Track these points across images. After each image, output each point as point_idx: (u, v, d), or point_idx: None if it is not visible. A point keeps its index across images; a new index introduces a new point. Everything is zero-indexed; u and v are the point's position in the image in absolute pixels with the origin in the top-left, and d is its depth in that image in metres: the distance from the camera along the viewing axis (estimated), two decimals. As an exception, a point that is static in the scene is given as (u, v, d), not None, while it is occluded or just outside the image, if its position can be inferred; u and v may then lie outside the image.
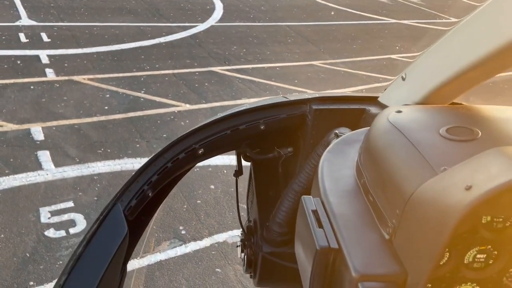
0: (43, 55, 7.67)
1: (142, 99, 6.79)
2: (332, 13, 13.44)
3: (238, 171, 1.57)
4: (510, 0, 0.81)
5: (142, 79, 7.43)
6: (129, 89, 7.01)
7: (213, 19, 11.08)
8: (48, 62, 7.47)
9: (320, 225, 0.81)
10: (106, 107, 6.42)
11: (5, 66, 7.09)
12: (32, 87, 6.61)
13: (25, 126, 5.65)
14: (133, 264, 3.94)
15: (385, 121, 0.89)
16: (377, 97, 1.35)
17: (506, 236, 0.65)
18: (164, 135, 5.86)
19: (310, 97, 1.39)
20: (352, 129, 1.23)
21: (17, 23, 8.80)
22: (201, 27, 10.39)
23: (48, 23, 9.06)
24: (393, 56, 10.37)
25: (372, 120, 0.97)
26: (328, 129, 1.30)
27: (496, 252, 0.67)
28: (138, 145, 5.59)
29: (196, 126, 1.30)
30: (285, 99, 1.40)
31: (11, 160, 5.00)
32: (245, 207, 1.80)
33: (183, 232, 4.34)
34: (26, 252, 3.89)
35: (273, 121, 1.35)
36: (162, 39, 9.26)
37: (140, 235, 1.24)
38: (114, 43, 8.68)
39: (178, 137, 1.28)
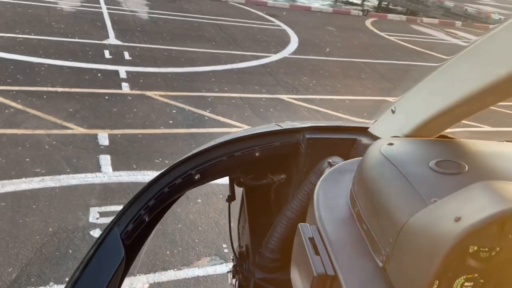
0: (122, 70, 8.11)
1: (206, 118, 6.84)
2: (412, 54, 13.00)
3: (231, 197, 1.59)
4: (494, 43, 0.84)
5: (209, 99, 7.53)
6: (196, 107, 7.11)
7: (287, 51, 11.16)
8: (125, 77, 7.87)
9: (317, 252, 0.83)
10: (171, 121, 6.53)
11: (86, 77, 7.57)
12: (106, 97, 6.95)
13: (93, 131, 5.87)
14: (169, 275, 3.77)
15: (377, 152, 0.92)
16: (368, 128, 1.37)
17: (492, 265, 0.67)
18: (222, 153, 5.77)
19: (303, 126, 1.41)
20: (344, 158, 1.26)
21: (104, 42, 9.49)
22: (274, 57, 10.48)
23: (131, 44, 9.66)
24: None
25: (363, 150, 1.01)
26: (320, 157, 1.32)
27: (482, 281, 0.69)
28: (194, 160, 5.55)
29: (193, 152, 1.32)
30: (279, 127, 1.42)
31: (74, 160, 5.17)
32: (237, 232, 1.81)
33: (225, 250, 4.10)
34: (69, 249, 3.88)
35: (268, 148, 1.37)
36: (234, 66, 9.44)
37: (134, 259, 1.25)
38: (188, 65, 8.99)
39: (175, 163, 1.30)
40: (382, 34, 15.21)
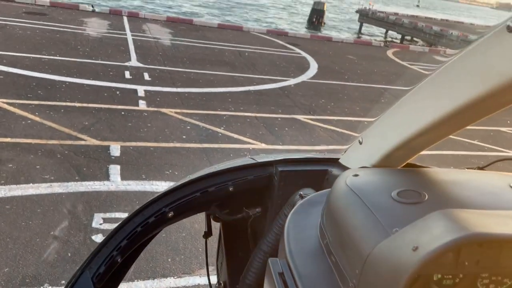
0: (140, 89, 8.22)
1: (220, 134, 6.78)
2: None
3: (208, 233, 1.56)
4: (448, 75, 0.86)
5: (224, 117, 7.50)
6: (210, 124, 7.08)
7: (306, 76, 11.16)
8: (143, 95, 7.96)
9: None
10: (184, 136, 6.49)
11: (105, 94, 7.69)
12: (123, 113, 7.01)
13: (105, 143, 5.88)
14: (168, 283, 3.59)
15: (343, 184, 0.93)
16: (338, 158, 1.37)
17: None
18: (233, 167, 5.65)
19: (276, 159, 1.42)
20: (317, 190, 1.27)
21: (125, 64, 9.71)
22: (292, 81, 10.47)
23: (152, 66, 9.85)
24: (502, 129, 9.28)
25: (334, 181, 1.01)
26: (294, 189, 1.32)
27: None
28: (204, 172, 5.44)
29: (166, 190, 1.31)
30: (252, 161, 1.42)
31: (84, 169, 5.14)
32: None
33: (230, 260, 3.90)
34: (68, 252, 3.77)
35: (241, 182, 1.37)
36: (251, 88, 9.46)
37: None
38: (206, 86, 9.05)
39: (147, 201, 1.27)
40: (403, 63, 15.11)
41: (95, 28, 12.81)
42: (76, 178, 4.93)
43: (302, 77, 11.02)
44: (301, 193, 1.27)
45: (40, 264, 3.57)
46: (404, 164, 1.11)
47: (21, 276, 3.43)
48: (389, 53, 16.66)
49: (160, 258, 3.84)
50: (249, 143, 6.62)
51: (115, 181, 4.98)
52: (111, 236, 1.20)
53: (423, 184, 0.92)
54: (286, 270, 0.88)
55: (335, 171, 1.34)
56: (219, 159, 5.90)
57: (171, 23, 15.71)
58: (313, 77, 11.17)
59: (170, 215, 1.27)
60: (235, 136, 6.79)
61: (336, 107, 9.01)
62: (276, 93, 9.35)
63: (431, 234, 0.64)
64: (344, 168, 1.29)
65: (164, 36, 13.36)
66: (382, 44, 18.27)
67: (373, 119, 1.18)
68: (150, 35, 13.11)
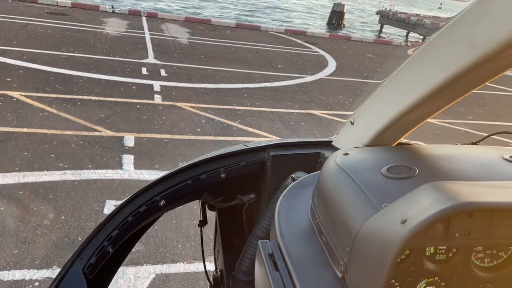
0: (156, 85, 8.24)
1: (235, 128, 6.71)
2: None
3: (203, 221, 1.55)
4: (433, 50, 0.83)
5: (240, 112, 7.43)
6: (225, 118, 7.02)
7: (323, 73, 11.01)
8: (159, 90, 7.97)
9: (276, 268, 0.83)
10: (199, 129, 6.44)
11: (121, 89, 7.72)
12: (138, 106, 7.02)
13: (120, 134, 5.87)
14: (177, 268, 3.52)
15: (333, 163, 0.92)
16: (331, 141, 1.36)
17: (450, 266, 0.67)
18: (247, 158, 5.57)
19: (268, 144, 1.40)
20: (309, 173, 1.24)
21: (143, 60, 9.76)
22: (309, 78, 10.35)
23: (169, 63, 9.88)
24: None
25: None
26: (287, 174, 1.31)
27: (443, 284, 0.68)
28: (218, 163, 5.38)
29: (157, 178, 1.30)
30: (244, 147, 1.40)
31: (97, 158, 5.14)
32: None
33: (241, 248, 3.82)
34: (79, 236, 3.74)
35: (233, 169, 1.35)
36: (268, 84, 9.37)
37: None
38: (222, 82, 9.01)
39: (138, 190, 1.25)
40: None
41: (114, 27, 12.96)
42: (90, 166, 4.92)
43: (320, 74, 10.88)
44: (293, 176, 1.26)
45: (49, 247, 3.55)
46: (396, 143, 1.10)
47: (30, 258, 3.41)
48: (410, 51, 16.33)
49: (170, 243, 3.77)
50: (263, 136, 6.53)
51: (128, 170, 4.95)
52: (101, 226, 1.18)
53: (414, 159, 0.90)
54: (276, 251, 0.87)
55: (327, 153, 1.31)
56: (233, 151, 5.83)
57: (189, 23, 15.79)
58: (331, 74, 11.01)
59: (161, 203, 1.26)
60: (250, 129, 6.71)
61: (354, 102, 8.84)
62: (292, 90, 9.24)
63: (420, 206, 0.62)
64: (337, 150, 1.26)
65: (182, 35, 13.42)
66: (403, 43, 17.95)
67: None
68: (168, 34, 13.19)
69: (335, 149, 1.30)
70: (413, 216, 0.61)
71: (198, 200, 1.45)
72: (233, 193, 1.45)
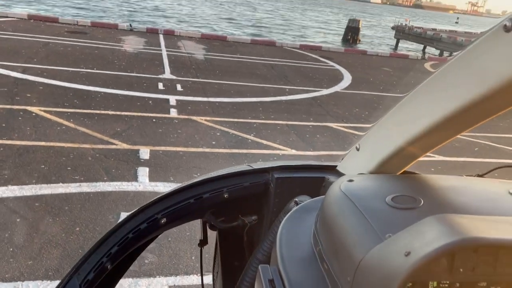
0: (172, 99, 8.31)
1: (249, 141, 6.69)
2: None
3: (203, 241, 1.52)
4: (444, 79, 0.82)
5: (254, 125, 7.42)
6: (240, 131, 7.01)
7: (339, 87, 10.97)
8: (174, 104, 8.04)
9: None
10: (214, 142, 6.44)
11: (138, 103, 7.81)
12: (154, 120, 7.07)
13: (135, 147, 5.91)
14: (191, 280, 3.46)
15: (337, 189, 0.91)
16: (336, 166, 1.35)
17: None
18: (262, 171, 5.53)
19: (272, 165, 1.39)
20: (313, 197, 1.23)
21: (159, 76, 9.89)
22: (324, 92, 10.31)
23: (185, 78, 9.98)
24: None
25: None
26: (290, 197, 1.29)
27: None
28: (232, 175, 5.34)
29: (159, 196, 1.27)
30: (248, 167, 1.40)
31: (113, 170, 5.17)
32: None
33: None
34: (93, 247, 3.72)
35: (236, 189, 1.34)
36: (283, 98, 9.37)
37: None
38: (237, 96, 9.05)
39: (140, 207, 1.24)
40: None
41: (131, 44, 13.22)
42: (105, 178, 4.94)
43: (335, 87, 10.84)
44: (297, 199, 1.24)
45: (63, 258, 3.55)
46: (402, 171, 1.09)
47: (44, 269, 3.40)
48: (427, 65, 16.20)
49: (183, 255, 3.73)
50: (278, 149, 6.48)
51: (143, 182, 4.96)
52: (101, 242, 1.17)
53: (419, 189, 0.90)
54: (277, 277, 0.86)
55: (332, 178, 1.31)
56: (249, 163, 5.79)
57: (205, 39, 16.01)
58: (347, 88, 10.96)
59: (162, 221, 1.24)
60: (265, 142, 6.68)
61: (371, 115, 8.75)
62: (308, 103, 9.21)
63: (424, 239, 0.62)
64: (341, 175, 1.26)
65: (198, 51, 13.60)
66: (420, 57, 17.82)
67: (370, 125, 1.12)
68: (184, 51, 13.38)
69: (340, 174, 1.30)
70: (417, 249, 0.60)
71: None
72: (235, 214, 1.43)
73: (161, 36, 15.39)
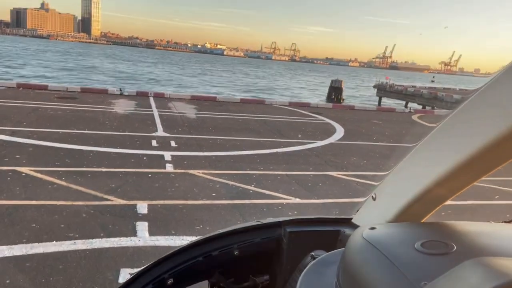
0: (167, 155, 8.10)
1: (251, 191, 6.42)
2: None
3: None
4: (464, 117, 0.81)
5: (254, 176, 7.19)
6: (240, 182, 6.76)
7: (333, 139, 10.95)
8: (170, 159, 7.82)
9: None
10: (214, 194, 6.16)
11: (132, 160, 7.57)
12: (150, 175, 6.80)
13: (132, 202, 5.59)
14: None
15: (359, 238, 0.86)
16: (351, 218, 1.29)
17: None
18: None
19: (284, 219, 1.33)
20: (329, 251, 1.16)
21: (152, 134, 9.75)
22: (319, 143, 10.26)
23: (178, 135, 9.85)
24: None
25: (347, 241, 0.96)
26: (304, 252, 1.22)
27: None
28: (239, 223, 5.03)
29: (166, 254, 1.21)
30: (259, 223, 1.33)
31: (110, 226, 4.81)
32: None
33: None
34: (91, 308, 3.32)
35: (247, 245, 1.28)
36: (279, 150, 9.25)
37: None
38: (233, 150, 8.90)
39: (145, 266, 1.17)
40: (431, 125, 14.82)
41: (122, 107, 13.21)
42: (101, 235, 4.58)
43: (330, 139, 10.81)
44: (313, 253, 1.17)
45: (58, 322, 3.12)
46: (425, 219, 1.03)
47: (36, 335, 2.97)
48: (415, 117, 16.52)
49: None
50: (282, 198, 6.22)
51: (143, 237, 4.60)
52: None
53: (448, 235, 0.84)
54: None
55: (348, 231, 1.24)
56: (252, 214, 5.51)
57: (195, 100, 16.17)
58: (341, 139, 10.94)
59: (169, 282, 1.15)
60: (267, 192, 6.42)
61: (370, 164, 8.63)
62: (304, 154, 9.08)
63: (468, 283, 0.57)
64: (357, 227, 1.18)
65: (189, 111, 13.64)
66: (407, 110, 18.22)
67: (385, 173, 1.05)
68: (175, 111, 13.40)
69: (356, 226, 1.22)
70: None
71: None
72: (245, 273, 1.32)
73: (151, 99, 15.50)
